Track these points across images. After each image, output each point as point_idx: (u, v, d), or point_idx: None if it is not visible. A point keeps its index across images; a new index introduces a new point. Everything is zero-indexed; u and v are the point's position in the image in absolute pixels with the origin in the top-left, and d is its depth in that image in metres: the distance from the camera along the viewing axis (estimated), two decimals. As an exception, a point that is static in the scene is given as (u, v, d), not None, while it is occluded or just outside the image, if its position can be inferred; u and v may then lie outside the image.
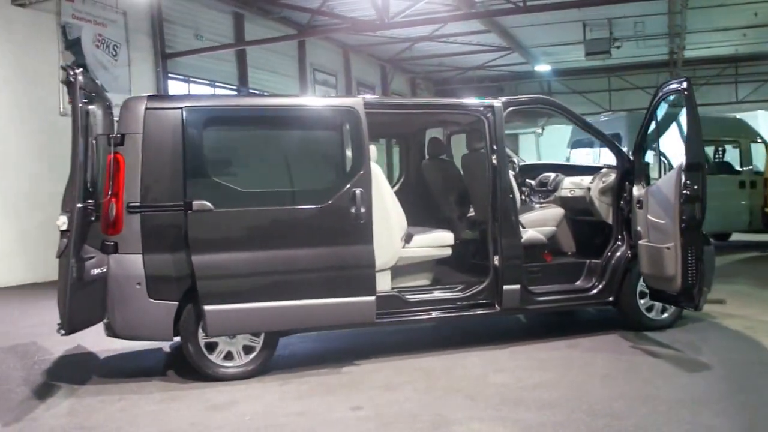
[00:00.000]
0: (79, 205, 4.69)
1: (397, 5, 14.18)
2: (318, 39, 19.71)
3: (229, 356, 5.59)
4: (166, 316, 5.37)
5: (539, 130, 9.56)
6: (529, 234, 6.71)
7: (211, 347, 5.55)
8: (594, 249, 6.97)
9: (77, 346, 6.68)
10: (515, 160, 8.29)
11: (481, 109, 6.35)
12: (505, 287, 6.23)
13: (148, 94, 5.55)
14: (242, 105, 5.85)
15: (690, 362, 5.78)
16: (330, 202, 5.62)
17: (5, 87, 11.54)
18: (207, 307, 5.32)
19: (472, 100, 6.43)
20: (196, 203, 5.31)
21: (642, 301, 6.75)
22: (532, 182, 7.96)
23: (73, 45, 12.96)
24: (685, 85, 5.87)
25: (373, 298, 5.71)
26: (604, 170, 7.06)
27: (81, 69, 4.80)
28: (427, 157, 7.87)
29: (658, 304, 6.76)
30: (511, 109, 6.41)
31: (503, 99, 6.43)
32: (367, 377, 5.58)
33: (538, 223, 6.94)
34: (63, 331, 4.78)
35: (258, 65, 17.93)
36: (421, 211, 7.74)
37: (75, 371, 5.99)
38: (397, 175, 8.42)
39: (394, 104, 6.55)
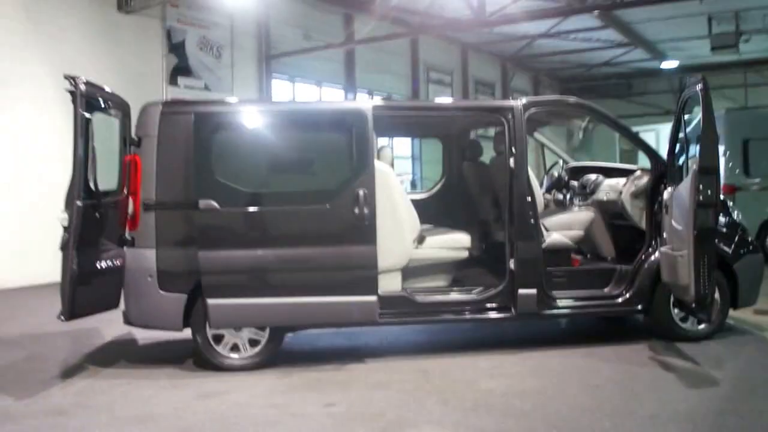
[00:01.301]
0: (79, 203, 5.12)
1: (499, 2, 14.09)
2: (433, 38, 19.75)
3: (235, 348, 5.89)
4: (176, 308, 5.73)
5: (580, 134, 9.11)
6: (552, 238, 6.55)
7: (218, 339, 5.86)
8: (627, 254, 6.69)
9: (127, 332, 7.19)
10: (561, 161, 8.06)
11: (500, 110, 6.26)
12: (521, 291, 6.13)
13: (165, 99, 5.91)
14: (251, 109, 6.09)
15: (699, 378, 5.48)
16: (333, 202, 5.77)
17: (114, 86, 12.40)
18: (210, 301, 5.64)
19: (489, 102, 6.40)
20: (203, 202, 5.63)
21: (676, 311, 6.43)
22: (576, 184, 7.72)
23: (176, 48, 13.85)
24: (700, 85, 5.53)
25: (374, 298, 5.82)
26: (637, 173, 6.75)
27: (83, 78, 5.21)
28: (466, 159, 7.83)
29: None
30: (533, 110, 6.28)
31: (524, 100, 6.30)
32: (364, 375, 5.69)
33: (564, 226, 6.75)
34: (63, 318, 5.23)
35: (367, 65, 18.24)
36: (460, 213, 7.75)
37: (109, 356, 6.50)
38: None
39: (405, 107, 6.58)
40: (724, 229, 6.65)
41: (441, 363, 5.99)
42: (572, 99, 6.69)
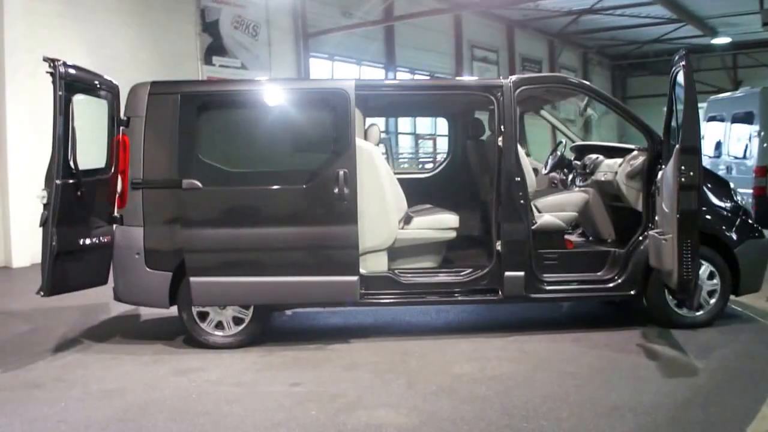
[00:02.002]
0: (58, 181, 5.26)
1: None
2: (477, 15, 19.46)
3: (219, 326, 5.98)
4: (162, 285, 5.85)
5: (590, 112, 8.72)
6: (544, 219, 6.42)
7: (204, 316, 5.96)
8: (627, 237, 6.50)
9: (134, 309, 7.36)
10: (564, 140, 7.86)
11: (488, 89, 6.14)
12: (507, 274, 6.04)
13: (152, 80, 5.98)
14: (234, 89, 6.14)
15: (681, 367, 5.30)
16: (314, 182, 5.78)
17: (143, 68, 12.66)
18: (193, 279, 5.73)
19: (477, 81, 6.26)
20: (186, 182, 5.72)
21: (671, 297, 6.22)
22: (578, 164, 7.52)
23: (210, 27, 14.01)
24: (683, 62, 5.31)
25: (355, 278, 5.82)
26: (634, 153, 6.53)
27: (62, 61, 5.31)
28: (468, 137, 7.71)
29: (693, 301, 6.22)
30: (523, 88, 6.13)
31: (514, 78, 6.16)
32: (343, 355, 5.72)
33: (556, 207, 6.59)
34: (42, 293, 5.40)
35: (407, 43, 18.10)
36: (462, 192, 7.65)
37: (107, 331, 6.67)
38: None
39: (390, 86, 6.49)
40: (726, 213, 6.40)
41: (425, 345, 5.96)
42: (563, 77, 6.52)
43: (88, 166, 5.73)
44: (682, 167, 5.24)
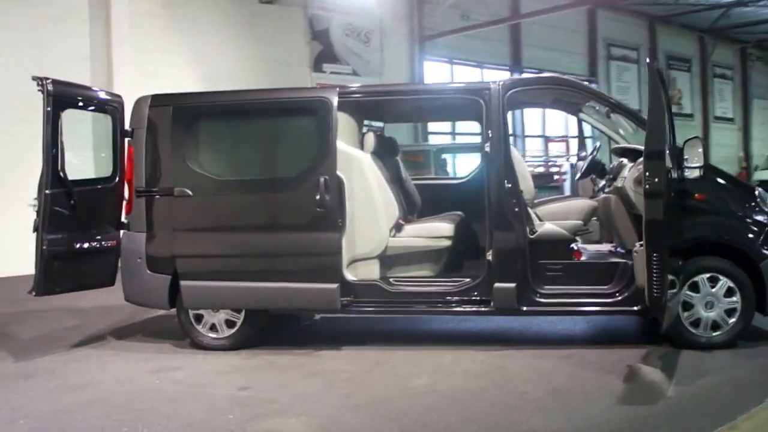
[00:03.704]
0: (47, 191, 5.75)
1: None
2: (613, 11, 18.53)
3: (213, 328, 6.23)
4: (162, 288, 6.19)
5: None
6: (544, 228, 6.06)
7: (199, 319, 6.24)
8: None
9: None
10: (598, 143, 7.34)
11: (475, 92, 5.93)
12: (497, 285, 5.78)
13: (154, 93, 6.35)
14: (221, 99, 6.36)
15: (654, 392, 4.85)
16: (297, 190, 5.89)
17: (250, 78, 13.31)
18: (183, 282, 6.05)
19: (464, 84, 6.04)
20: (177, 189, 6.05)
21: (686, 314, 5.67)
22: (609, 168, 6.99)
23: (320, 35, 14.46)
24: (648, 60, 4.85)
25: (335, 285, 5.84)
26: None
27: (50, 79, 5.78)
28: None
29: (708, 319, 5.66)
30: (513, 90, 5.85)
31: (504, 80, 5.90)
32: (317, 362, 5.78)
33: (559, 216, 6.19)
34: (33, 293, 5.91)
35: (535, 43, 17.58)
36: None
37: (132, 330, 7.12)
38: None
39: (374, 92, 6.38)
40: (749, 222, 5.72)
41: (405, 355, 5.86)
42: (557, 77, 6.12)
43: (93, 175, 6.19)
44: (647, 173, 4.78)
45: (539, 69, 17.08)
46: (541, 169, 14.04)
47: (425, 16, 15.91)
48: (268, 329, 6.47)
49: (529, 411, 4.53)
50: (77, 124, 6.55)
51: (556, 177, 14.01)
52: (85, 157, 6.39)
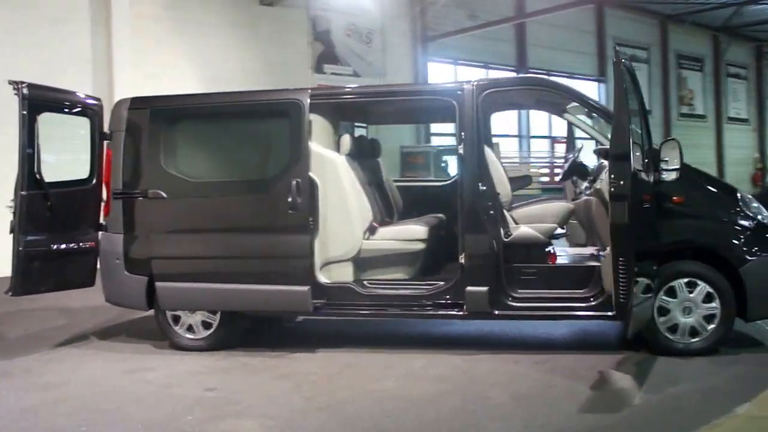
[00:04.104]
0: (23, 193, 5.80)
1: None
2: (623, 9, 18.33)
3: (191, 329, 6.25)
4: (139, 289, 6.22)
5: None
6: (520, 231, 6.00)
7: (177, 319, 6.26)
8: None
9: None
10: (580, 144, 7.25)
11: (448, 94, 5.89)
12: (469, 288, 5.74)
13: (133, 96, 6.39)
14: (195, 102, 6.39)
15: (620, 399, 4.80)
16: (269, 192, 5.89)
17: (252, 79, 13.34)
18: (159, 284, 6.09)
19: (436, 85, 6.00)
20: (152, 192, 6.08)
21: (662, 319, 5.59)
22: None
23: (321, 36, 14.47)
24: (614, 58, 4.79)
25: (306, 288, 5.83)
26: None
27: (25, 83, 5.83)
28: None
29: (686, 325, 5.57)
30: (488, 92, 5.80)
31: (478, 81, 5.85)
32: (288, 364, 5.77)
33: (534, 218, 6.11)
34: (10, 293, 5.96)
35: (541, 43, 17.44)
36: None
37: (118, 330, 7.16)
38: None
39: (347, 94, 6.35)
40: (731, 225, 5.65)
41: (378, 358, 5.84)
42: (533, 77, 6.07)
43: (71, 177, 6.24)
44: (612, 176, 4.72)
45: (546, 69, 16.99)
46: (529, 171, 13.82)
47: (429, 17, 15.82)
48: (249, 330, 6.48)
49: (488, 417, 4.50)
50: (60, 127, 6.56)
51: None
52: (68, 159, 6.42)
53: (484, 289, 5.70)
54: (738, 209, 5.70)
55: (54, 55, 11.25)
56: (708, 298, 5.54)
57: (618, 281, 4.76)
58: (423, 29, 15.74)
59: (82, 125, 6.42)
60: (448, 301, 5.85)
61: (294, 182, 5.80)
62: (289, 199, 5.79)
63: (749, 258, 5.55)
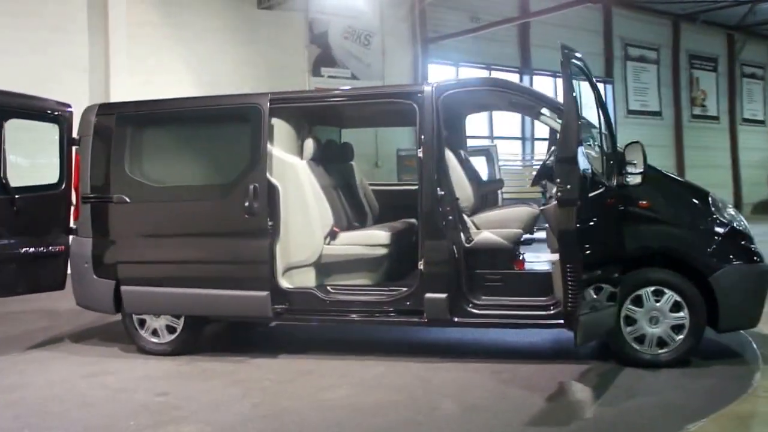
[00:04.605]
0: (-12, 197, 5.84)
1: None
2: (631, 9, 18.06)
3: (156, 333, 6.23)
4: (107, 292, 6.21)
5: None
6: (481, 236, 5.89)
7: (143, 323, 6.24)
8: None
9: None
10: (553, 148, 7.09)
11: (406, 96, 5.81)
12: (427, 295, 5.63)
13: (102, 102, 6.40)
14: (158, 108, 6.40)
15: (570, 413, 4.68)
16: (227, 197, 5.86)
17: (250, 82, 13.27)
18: (123, 288, 6.10)
19: (395, 87, 5.94)
20: (116, 196, 6.09)
21: (629, 329, 5.45)
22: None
23: (319, 39, 14.40)
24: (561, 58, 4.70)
25: (265, 293, 5.79)
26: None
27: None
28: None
29: (653, 335, 5.42)
30: (448, 93, 5.71)
31: (437, 83, 5.76)
32: (245, 369, 5.74)
33: (497, 224, 5.99)
34: None
35: (545, 43, 17.10)
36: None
37: (91, 333, 7.18)
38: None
39: (306, 98, 6.28)
40: (701, 231, 5.50)
41: (338, 366, 5.76)
42: (494, 79, 5.97)
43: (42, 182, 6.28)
44: (558, 180, 4.60)
45: (550, 70, 16.77)
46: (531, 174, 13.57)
47: (429, 18, 15.69)
48: (219, 334, 6.45)
49: (432, 428, 4.41)
50: (35, 131, 6.60)
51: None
52: (44, 163, 6.48)
53: (443, 296, 5.60)
54: (709, 214, 5.53)
55: (52, 62, 11.34)
56: (676, 307, 5.38)
57: (566, 289, 4.64)
58: (423, 31, 15.61)
59: (56, 130, 6.44)
60: (408, 308, 5.75)
61: (251, 187, 5.76)
62: (246, 204, 5.75)
63: (720, 266, 5.38)
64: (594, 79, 5.51)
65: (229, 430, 4.42)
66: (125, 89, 11.59)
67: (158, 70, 12.32)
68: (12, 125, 6.31)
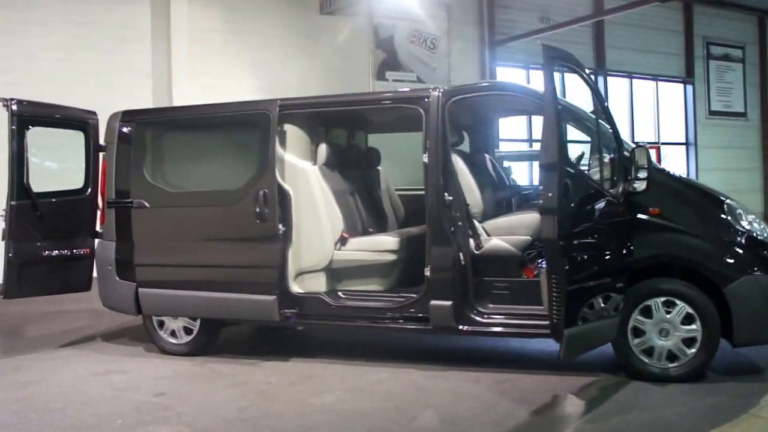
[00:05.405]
0: (13, 203, 6.13)
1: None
2: (714, 7, 17.26)
3: (174, 334, 6.41)
4: (129, 294, 6.44)
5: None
6: (491, 243, 5.74)
7: (162, 325, 6.44)
8: None
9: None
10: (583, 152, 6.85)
11: (413, 100, 5.75)
12: (432, 302, 5.56)
13: (125, 109, 6.61)
14: (172, 115, 6.63)
15: (556, 428, 4.54)
16: (239, 202, 5.96)
17: (313, 86, 13.31)
18: (141, 290, 6.30)
19: (402, 92, 5.88)
20: (136, 201, 6.29)
21: (636, 341, 5.21)
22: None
23: (384, 43, 14.39)
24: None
25: (273, 297, 5.85)
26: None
27: (14, 100, 6.16)
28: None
29: (662, 348, 5.17)
30: (454, 99, 5.62)
31: (443, 89, 5.67)
32: (249, 372, 5.82)
33: (505, 230, 5.80)
34: (2, 296, 6.30)
35: (621, 44, 16.65)
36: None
37: (117, 332, 7.42)
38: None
39: (313, 103, 6.25)
40: (716, 240, 5.18)
41: (345, 370, 5.76)
42: (504, 83, 5.77)
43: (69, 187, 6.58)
44: (541, 187, 4.44)
45: (626, 71, 16.23)
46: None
47: (497, 20, 15.45)
48: (247, 336, 6.62)
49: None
50: (66, 138, 6.89)
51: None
52: (73, 168, 6.81)
53: (448, 303, 5.51)
54: (724, 222, 5.21)
55: (118, 70, 11.85)
56: (688, 319, 5.11)
57: (550, 300, 4.47)
58: (491, 33, 15.38)
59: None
60: (414, 315, 5.69)
61: (261, 192, 5.83)
62: (257, 209, 5.83)
63: (736, 277, 5.07)
64: (592, 82, 5.27)
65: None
66: (187, 93, 11.90)
67: (220, 74, 12.63)
68: (48, 134, 6.66)
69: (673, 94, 17.94)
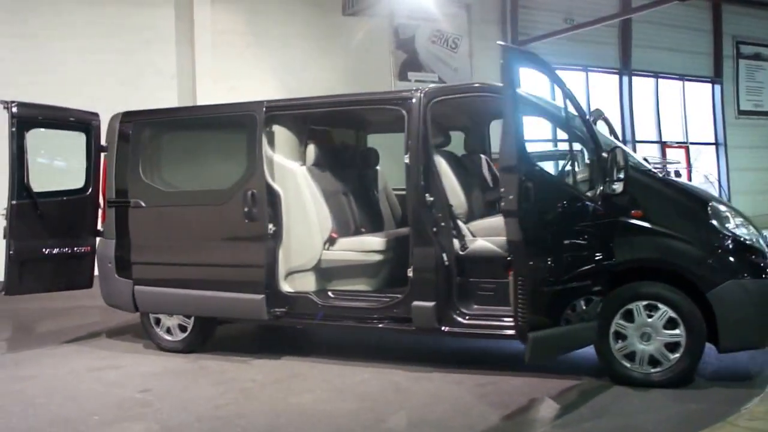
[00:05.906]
0: (14, 202, 6.31)
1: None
2: (743, 5, 16.88)
3: (170, 331, 6.53)
4: (127, 291, 6.58)
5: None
6: (476, 244, 5.73)
7: (158, 322, 6.57)
8: None
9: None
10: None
11: (395, 101, 5.77)
12: (415, 303, 5.57)
13: (125, 110, 6.76)
14: (165, 116, 6.75)
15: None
16: (228, 202, 6.05)
17: (338, 86, 13.36)
18: (136, 287, 6.44)
19: (386, 93, 5.93)
20: (133, 201, 6.44)
21: (618, 345, 5.15)
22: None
23: (405, 44, 14.47)
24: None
25: (260, 296, 5.93)
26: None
27: (15, 102, 6.34)
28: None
29: (644, 353, 5.09)
30: (437, 99, 5.62)
31: (426, 89, 5.67)
32: (235, 369, 5.92)
33: (491, 231, 5.75)
34: (4, 293, 6.48)
35: (648, 44, 16.41)
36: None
37: (124, 329, 7.59)
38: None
39: (298, 105, 6.28)
40: (699, 242, 5.08)
41: (332, 369, 5.80)
42: (487, 85, 5.71)
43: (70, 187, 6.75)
44: (502, 189, 4.42)
45: (652, 71, 15.96)
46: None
47: (520, 20, 15.36)
48: (247, 333, 6.72)
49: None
50: (73, 138, 7.06)
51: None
52: (77, 167, 7.00)
53: (431, 304, 5.51)
54: (708, 225, 5.11)
55: (143, 72, 12.14)
56: (671, 324, 5.02)
57: (516, 302, 4.45)
58: (513, 33, 15.28)
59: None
60: (397, 316, 5.70)
61: (250, 192, 5.91)
62: (246, 209, 5.91)
63: (719, 281, 4.97)
64: (562, 82, 5.23)
65: (175, 429, 4.57)
66: (210, 94, 12.08)
67: (243, 75, 12.82)
68: (53, 135, 6.85)
69: (701, 93, 17.60)
